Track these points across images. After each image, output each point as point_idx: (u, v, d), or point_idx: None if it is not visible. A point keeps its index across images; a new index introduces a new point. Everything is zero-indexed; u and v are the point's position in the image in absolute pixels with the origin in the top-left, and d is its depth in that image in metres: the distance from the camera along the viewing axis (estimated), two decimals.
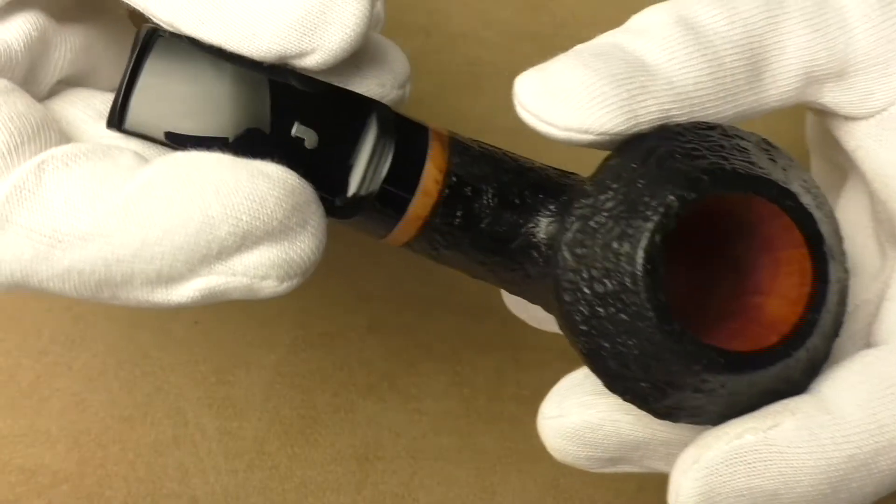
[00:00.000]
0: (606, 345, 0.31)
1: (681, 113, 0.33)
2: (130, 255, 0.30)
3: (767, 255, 0.32)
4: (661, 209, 0.30)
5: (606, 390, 0.33)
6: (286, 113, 0.33)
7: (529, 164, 0.34)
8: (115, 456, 0.45)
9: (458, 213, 0.33)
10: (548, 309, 0.34)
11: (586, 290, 0.31)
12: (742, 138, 0.32)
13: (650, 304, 0.30)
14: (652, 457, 0.35)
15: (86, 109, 0.34)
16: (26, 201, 0.30)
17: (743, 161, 0.31)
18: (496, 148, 0.34)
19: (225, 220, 0.31)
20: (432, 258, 0.34)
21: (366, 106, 0.33)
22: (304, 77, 0.33)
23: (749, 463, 0.31)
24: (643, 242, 0.30)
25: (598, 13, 0.50)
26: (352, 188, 0.33)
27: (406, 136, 0.33)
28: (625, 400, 0.32)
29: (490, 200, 0.33)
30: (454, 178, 0.33)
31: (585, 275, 0.31)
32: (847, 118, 0.35)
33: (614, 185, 0.31)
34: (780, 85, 0.34)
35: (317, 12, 0.32)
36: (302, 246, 0.32)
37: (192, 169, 0.31)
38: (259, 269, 0.31)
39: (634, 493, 0.46)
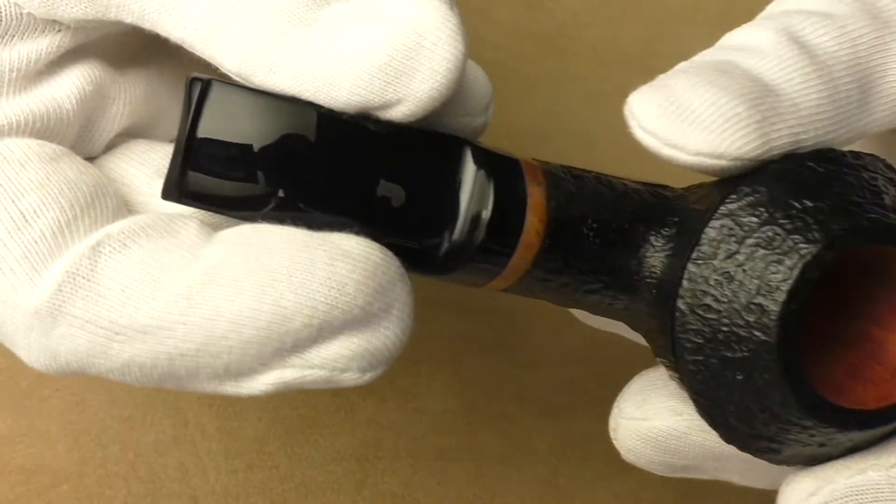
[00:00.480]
0: (731, 408, 0.29)
1: (807, 138, 0.30)
2: (194, 350, 0.28)
3: (890, 291, 0.30)
4: (802, 270, 0.28)
5: (686, 394, 0.31)
6: (368, 169, 0.29)
7: (622, 186, 0.31)
8: (116, 456, 0.45)
9: (559, 258, 0.30)
10: (648, 339, 0.31)
11: (712, 358, 0.29)
12: (867, 168, 0.30)
13: (786, 377, 0.28)
14: (730, 469, 0.33)
15: (143, 167, 0.31)
16: (81, 290, 0.28)
17: (878, 204, 0.29)
18: (584, 171, 0.31)
19: (299, 310, 0.27)
20: (516, 293, 0.32)
21: (456, 147, 0.30)
22: (382, 120, 0.29)
23: (869, 501, 0.30)
24: (781, 310, 0.28)
25: (598, 13, 0.50)
26: (448, 245, 0.29)
27: (503, 178, 0.29)
28: (736, 447, 0.30)
29: (592, 241, 0.30)
30: (555, 224, 0.30)
31: (710, 336, 0.29)
32: None
33: (739, 231, 0.29)
34: (886, 106, 0.31)
35: (403, 57, 0.28)
36: (387, 333, 0.29)
37: (262, 249, 0.28)
38: (339, 361, 0.28)
39: (634, 493, 0.46)
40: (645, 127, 0.30)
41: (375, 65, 0.28)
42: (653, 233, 0.30)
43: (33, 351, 0.29)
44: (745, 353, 0.28)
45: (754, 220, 0.29)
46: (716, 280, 0.29)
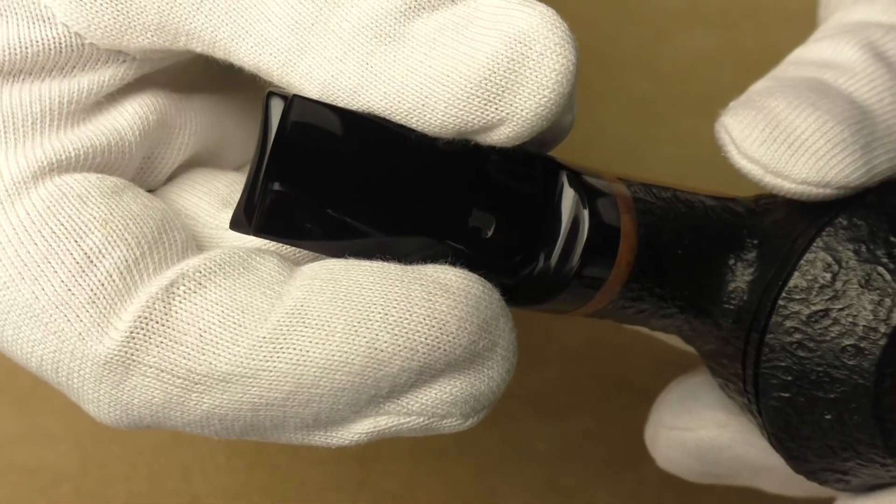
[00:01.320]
0: (813, 444, 0.28)
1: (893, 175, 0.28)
2: (281, 399, 0.25)
3: None
4: None
5: (735, 408, 0.31)
6: (460, 197, 0.26)
7: (701, 206, 0.29)
8: (117, 455, 0.45)
9: (644, 287, 0.28)
10: (706, 356, 0.30)
11: (799, 396, 0.28)
12: None
13: (877, 420, 0.27)
14: (769, 480, 0.32)
15: (208, 197, 0.29)
16: (155, 336, 0.25)
17: None
18: (664, 189, 0.29)
19: (397, 352, 0.25)
20: (587, 317, 0.30)
21: (552, 170, 0.27)
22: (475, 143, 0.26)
23: None
24: (882, 354, 0.27)
25: (598, 14, 0.50)
26: (540, 278, 0.27)
27: (596, 205, 0.27)
28: (805, 477, 0.29)
29: (676, 269, 0.28)
30: (642, 253, 0.28)
31: (800, 374, 0.28)
32: None
33: (836, 267, 0.27)
34: None
35: (505, 70, 0.25)
36: (491, 374, 0.26)
37: (352, 285, 0.25)
38: (439, 407, 0.26)
39: (635, 493, 0.46)
40: (747, 153, 0.28)
41: (474, 80, 0.25)
42: (732, 257, 0.29)
43: (103, 405, 0.26)
44: (838, 395, 0.27)
45: (852, 255, 0.28)
46: (809, 317, 0.27)
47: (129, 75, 0.28)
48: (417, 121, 0.25)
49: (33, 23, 0.27)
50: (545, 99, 0.25)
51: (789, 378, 0.28)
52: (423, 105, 0.25)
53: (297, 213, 0.25)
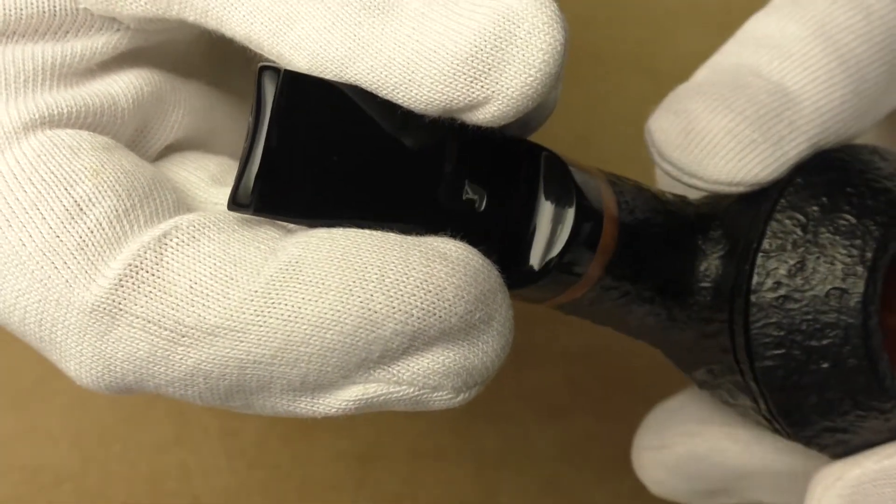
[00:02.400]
0: (813, 400, 0.29)
1: (827, 139, 0.30)
2: (270, 356, 0.25)
3: None
4: (876, 251, 0.28)
5: (707, 418, 0.31)
6: (452, 170, 0.26)
7: (661, 194, 0.31)
8: (117, 455, 0.45)
9: (627, 264, 0.29)
10: (685, 358, 0.31)
11: (794, 350, 0.28)
12: (884, 158, 0.30)
13: (872, 360, 0.28)
14: (758, 487, 0.32)
15: (199, 172, 0.28)
16: (144, 285, 0.25)
17: None
18: (626, 178, 0.30)
19: (391, 315, 0.24)
20: (568, 311, 0.30)
21: (535, 154, 0.27)
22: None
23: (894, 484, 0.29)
24: (864, 291, 0.28)
25: (597, 14, 0.50)
26: (536, 257, 0.27)
27: (580, 186, 0.27)
28: (804, 445, 0.30)
29: (654, 246, 0.29)
30: (624, 229, 0.28)
31: (791, 327, 0.28)
32: None
33: (805, 220, 0.29)
34: None
35: (492, 47, 0.24)
36: (486, 348, 0.26)
37: (352, 246, 0.25)
38: (431, 377, 0.25)
39: (634, 493, 0.46)
40: (665, 156, 0.29)
41: (460, 57, 0.24)
42: (700, 237, 0.30)
43: (85, 359, 0.26)
44: (831, 340, 0.28)
45: (816, 209, 0.29)
46: (788, 271, 0.28)
47: (123, 44, 0.28)
48: (404, 96, 0.25)
49: None
50: (531, 78, 0.25)
51: (781, 333, 0.28)
52: (410, 80, 0.25)
53: (296, 190, 0.25)
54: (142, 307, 0.25)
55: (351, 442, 0.46)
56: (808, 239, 0.29)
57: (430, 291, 0.25)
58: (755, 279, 0.29)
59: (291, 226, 0.26)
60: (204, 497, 0.45)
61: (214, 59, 0.30)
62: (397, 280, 0.25)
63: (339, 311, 0.24)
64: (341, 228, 0.25)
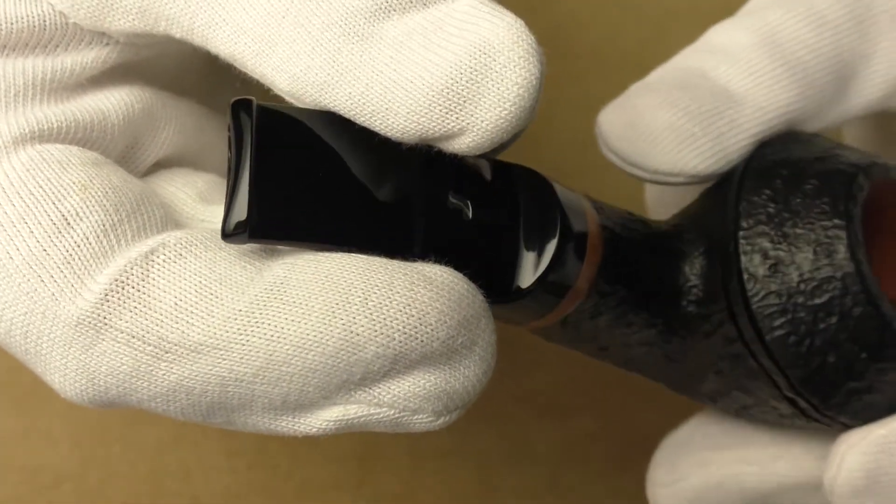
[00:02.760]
0: (831, 360, 0.29)
1: (771, 135, 0.31)
2: (251, 375, 0.25)
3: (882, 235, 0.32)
4: (847, 200, 0.29)
5: (719, 444, 0.32)
6: (434, 184, 0.26)
7: (630, 212, 0.31)
8: (117, 455, 0.45)
9: (617, 273, 0.29)
10: (701, 366, 0.31)
11: (800, 312, 0.29)
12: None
13: (875, 304, 0.29)
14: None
15: (185, 188, 0.29)
16: (129, 300, 0.25)
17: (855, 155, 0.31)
18: (603, 201, 0.31)
19: (373, 338, 0.24)
20: (555, 338, 0.31)
21: (520, 176, 0.28)
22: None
23: None
24: (848, 237, 0.29)
25: (597, 14, 0.50)
26: (525, 276, 0.27)
27: (564, 203, 0.28)
28: (832, 422, 0.30)
29: (637, 255, 0.30)
30: (609, 241, 0.29)
31: (790, 290, 0.29)
32: None
33: (773, 193, 0.30)
34: (867, 94, 0.31)
35: (467, 80, 0.25)
36: (467, 373, 0.26)
37: (335, 268, 0.25)
38: (411, 400, 0.25)
39: (635, 493, 0.46)
40: (610, 147, 0.30)
41: (436, 88, 0.25)
42: (676, 241, 0.31)
43: (69, 372, 0.26)
44: (831, 293, 0.29)
45: (780, 182, 0.30)
46: (772, 241, 0.29)
47: (113, 58, 0.28)
48: (380, 124, 0.25)
49: (18, 0, 0.27)
50: (506, 111, 0.25)
51: (782, 300, 0.29)
52: (387, 109, 0.25)
53: (287, 214, 0.25)
54: (126, 322, 0.25)
55: (351, 442, 0.46)
56: (781, 208, 0.30)
57: (412, 315, 0.25)
58: (743, 258, 0.29)
59: (279, 248, 0.26)
60: (204, 497, 0.45)
61: (207, 77, 0.31)
62: (380, 303, 0.25)
63: (321, 332, 0.25)
64: (326, 252, 0.26)
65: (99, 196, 0.26)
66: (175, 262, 0.25)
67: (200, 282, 0.25)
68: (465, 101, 0.25)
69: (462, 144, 0.25)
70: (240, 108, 0.25)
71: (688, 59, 0.32)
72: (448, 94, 0.25)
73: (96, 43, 0.28)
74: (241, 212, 0.25)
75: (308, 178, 0.25)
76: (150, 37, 0.28)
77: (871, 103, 0.32)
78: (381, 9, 0.25)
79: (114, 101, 0.28)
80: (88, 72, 0.28)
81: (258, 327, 0.25)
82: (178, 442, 0.45)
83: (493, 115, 0.25)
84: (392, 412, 0.26)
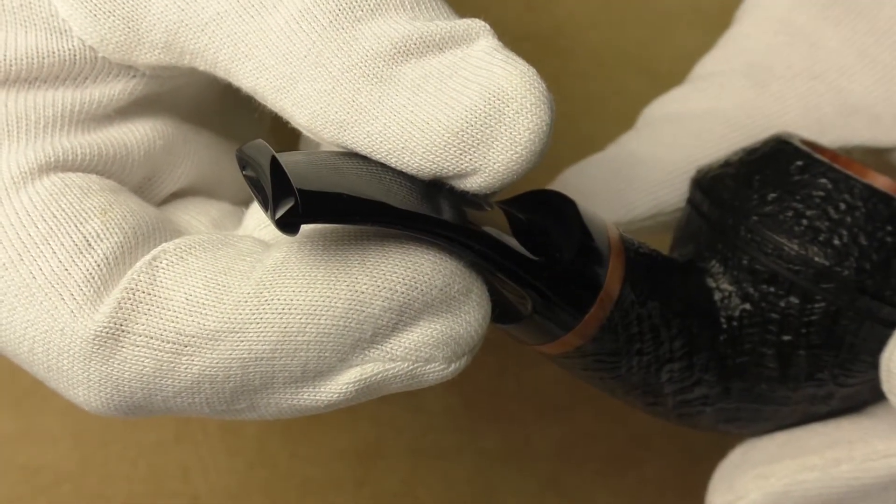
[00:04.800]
0: (869, 259, 0.31)
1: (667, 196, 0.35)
2: (270, 351, 0.26)
3: None
4: (805, 150, 0.32)
5: (776, 456, 0.32)
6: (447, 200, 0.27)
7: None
8: (117, 455, 0.45)
9: (640, 289, 0.30)
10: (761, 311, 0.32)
11: (819, 226, 0.31)
12: None
13: (867, 187, 0.31)
14: None
15: (200, 216, 0.30)
16: (142, 305, 0.26)
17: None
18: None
19: (377, 293, 0.26)
20: (587, 366, 0.31)
21: (543, 194, 0.29)
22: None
23: None
24: (797, 145, 0.32)
25: (597, 14, 0.50)
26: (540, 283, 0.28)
27: (587, 222, 0.29)
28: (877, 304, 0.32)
29: (661, 270, 0.31)
30: (631, 253, 0.30)
31: (805, 218, 0.31)
32: None
33: (729, 181, 0.32)
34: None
35: (482, 124, 0.26)
36: (468, 318, 0.27)
37: (331, 241, 0.26)
38: (422, 349, 0.27)
39: (635, 492, 0.46)
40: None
41: (452, 130, 0.26)
42: (699, 262, 0.33)
43: (94, 385, 0.27)
44: (822, 191, 0.31)
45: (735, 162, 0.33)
46: (770, 205, 0.32)
47: (139, 90, 0.29)
48: (397, 162, 0.26)
49: (51, 34, 0.28)
50: (517, 155, 0.26)
51: (803, 225, 0.31)
52: (403, 148, 0.26)
53: (327, 196, 0.25)
54: (143, 325, 0.26)
55: (351, 441, 0.46)
56: (737, 170, 0.33)
57: (408, 267, 0.26)
58: (730, 219, 0.32)
59: (272, 241, 0.28)
60: (204, 497, 0.45)
61: (226, 103, 0.31)
62: (377, 261, 0.26)
63: (328, 296, 0.26)
64: (319, 229, 0.27)
65: (118, 219, 0.27)
66: (179, 263, 0.26)
67: (206, 276, 0.26)
68: (478, 144, 0.26)
69: (474, 184, 0.26)
70: (255, 151, 0.26)
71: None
72: (463, 136, 0.26)
73: (123, 75, 0.29)
74: (286, 198, 0.25)
75: (338, 168, 0.26)
76: (175, 69, 0.29)
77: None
78: (399, 52, 0.26)
79: (137, 136, 0.29)
80: (115, 103, 0.29)
81: (269, 304, 0.26)
82: (178, 441, 0.45)
83: (505, 157, 0.26)
84: (406, 364, 0.27)
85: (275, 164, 0.25)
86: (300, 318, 0.26)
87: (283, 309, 0.26)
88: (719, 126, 0.35)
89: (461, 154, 0.26)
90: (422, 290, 0.26)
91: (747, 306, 0.31)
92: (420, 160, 0.26)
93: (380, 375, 0.27)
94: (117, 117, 0.29)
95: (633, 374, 0.31)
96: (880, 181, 0.34)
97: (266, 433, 0.46)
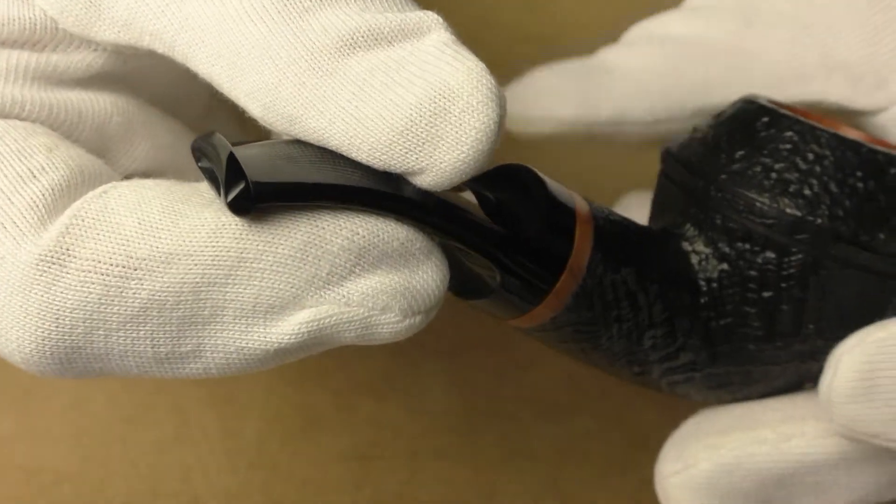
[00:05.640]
0: (839, 206, 0.31)
1: (633, 108, 0.36)
2: (224, 276, 0.25)
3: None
4: (770, 107, 0.33)
5: (727, 427, 0.32)
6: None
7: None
8: (117, 455, 0.45)
9: (614, 254, 0.30)
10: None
11: (794, 178, 0.31)
12: None
13: (834, 135, 0.31)
14: (800, 492, 0.32)
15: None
16: (90, 230, 0.25)
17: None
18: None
19: (338, 231, 0.26)
20: (563, 336, 0.31)
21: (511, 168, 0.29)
22: None
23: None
24: (767, 104, 0.32)
25: (598, 14, 0.50)
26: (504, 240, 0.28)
27: (553, 191, 0.29)
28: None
29: (630, 237, 0.31)
30: (600, 221, 0.30)
31: (775, 170, 0.31)
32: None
33: (697, 146, 0.33)
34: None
35: (427, 123, 0.25)
36: (426, 277, 0.27)
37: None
38: (378, 297, 0.26)
39: (635, 493, 0.46)
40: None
41: (396, 129, 0.25)
42: (671, 226, 0.32)
43: (31, 318, 0.25)
44: (789, 143, 0.31)
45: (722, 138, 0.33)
46: (738, 162, 0.32)
47: (99, 64, 0.29)
48: (347, 155, 0.26)
49: (13, 2, 0.28)
50: (464, 155, 0.25)
51: (772, 179, 0.31)
52: (350, 144, 0.26)
53: (280, 180, 0.25)
54: (90, 250, 0.25)
55: (351, 442, 0.46)
56: (704, 135, 0.33)
57: (370, 217, 0.26)
58: (700, 181, 0.32)
59: None
60: (204, 497, 0.45)
61: (203, 94, 0.31)
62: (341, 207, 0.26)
63: (288, 226, 0.25)
64: None
65: (64, 157, 0.26)
66: (132, 192, 0.26)
67: (162, 203, 0.25)
68: (423, 143, 0.25)
69: (423, 182, 0.26)
70: (212, 141, 0.26)
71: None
72: (408, 134, 0.25)
73: (84, 48, 0.29)
74: (238, 182, 0.25)
75: (293, 157, 0.26)
76: (136, 49, 0.28)
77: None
78: (346, 45, 0.26)
79: (92, 105, 0.29)
80: (73, 72, 0.29)
81: (227, 229, 0.25)
82: (178, 442, 0.45)
83: (451, 157, 0.25)
84: (361, 311, 0.26)
85: (231, 157, 0.25)
86: (258, 245, 0.25)
87: (241, 234, 0.25)
88: (698, 52, 0.35)
89: (406, 153, 0.25)
90: (383, 238, 0.26)
91: (725, 266, 0.31)
92: (367, 156, 0.26)
93: (334, 318, 0.26)
94: (76, 86, 0.29)
95: (615, 343, 0.31)
96: (850, 133, 0.34)
97: (266, 434, 0.46)
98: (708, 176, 0.32)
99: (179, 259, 0.25)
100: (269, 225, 0.25)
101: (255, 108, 0.26)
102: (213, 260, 0.25)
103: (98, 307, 0.25)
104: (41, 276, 0.25)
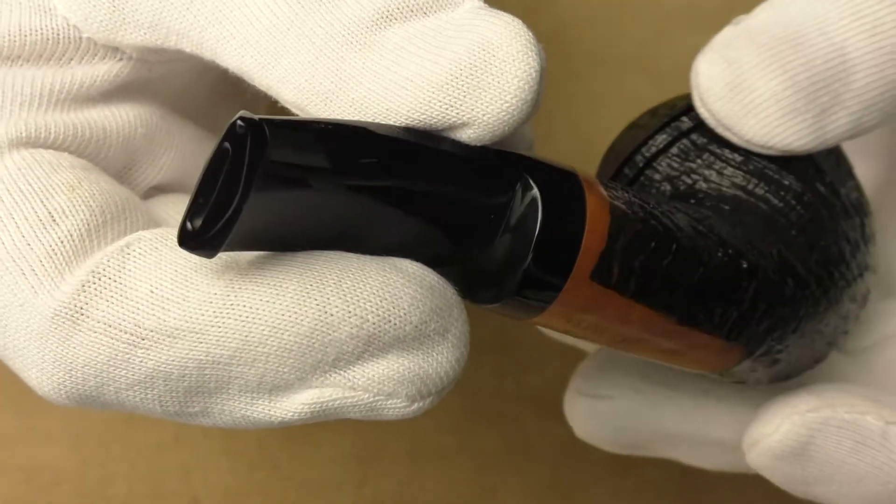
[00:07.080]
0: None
1: (869, 121, 0.29)
2: (228, 357, 0.25)
3: None
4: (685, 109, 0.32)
5: (652, 375, 0.32)
6: (422, 195, 0.26)
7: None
8: (117, 455, 0.45)
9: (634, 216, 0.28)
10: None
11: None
12: None
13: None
14: (679, 449, 0.33)
15: (178, 215, 0.28)
16: (105, 290, 0.25)
17: None
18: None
19: (346, 319, 0.25)
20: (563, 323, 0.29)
21: (510, 164, 0.27)
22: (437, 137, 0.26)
23: (856, 440, 0.30)
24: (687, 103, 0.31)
25: (597, 15, 0.50)
26: (501, 263, 0.26)
27: (555, 188, 0.27)
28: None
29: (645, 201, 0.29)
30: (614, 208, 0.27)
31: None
32: None
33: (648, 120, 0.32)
34: None
35: (468, 75, 0.25)
36: (440, 359, 0.26)
37: (310, 256, 0.25)
38: (385, 383, 0.26)
39: (635, 493, 0.46)
40: (706, 104, 0.29)
41: (436, 83, 0.25)
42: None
43: (47, 365, 0.26)
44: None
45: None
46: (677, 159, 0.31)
47: (125, 73, 0.29)
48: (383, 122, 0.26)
49: (35, 12, 0.28)
50: (507, 104, 0.25)
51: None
52: (388, 109, 0.25)
53: (260, 234, 0.25)
54: (102, 312, 0.25)
55: (351, 442, 0.46)
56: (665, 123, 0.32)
57: (385, 299, 0.25)
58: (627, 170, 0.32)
59: None
60: (204, 497, 0.45)
61: (215, 96, 0.31)
62: (354, 286, 0.25)
63: (296, 312, 0.25)
64: None
65: (86, 196, 0.26)
66: (150, 253, 0.26)
67: (175, 270, 0.25)
68: (465, 96, 0.25)
69: (466, 136, 0.26)
70: (239, 127, 0.24)
71: (804, 1, 0.29)
72: (448, 88, 0.25)
73: (109, 57, 0.28)
74: (212, 226, 0.24)
75: (297, 203, 0.24)
76: (162, 52, 0.28)
77: None
78: (382, 17, 0.26)
79: (118, 121, 0.29)
80: (99, 85, 0.28)
81: (233, 309, 0.25)
82: (178, 442, 0.45)
83: (495, 108, 0.25)
84: (366, 396, 0.26)
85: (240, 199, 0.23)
86: (263, 330, 0.25)
87: (248, 317, 0.25)
88: None
89: (448, 108, 0.25)
90: (395, 324, 0.25)
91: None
92: (406, 115, 0.25)
93: (338, 402, 0.26)
94: (101, 100, 0.29)
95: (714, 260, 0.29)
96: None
97: (266, 434, 0.46)
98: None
99: (185, 335, 0.25)
100: (276, 307, 0.25)
101: (288, 91, 0.26)
102: (217, 339, 0.25)
103: (106, 368, 0.26)
104: (56, 329, 0.26)
